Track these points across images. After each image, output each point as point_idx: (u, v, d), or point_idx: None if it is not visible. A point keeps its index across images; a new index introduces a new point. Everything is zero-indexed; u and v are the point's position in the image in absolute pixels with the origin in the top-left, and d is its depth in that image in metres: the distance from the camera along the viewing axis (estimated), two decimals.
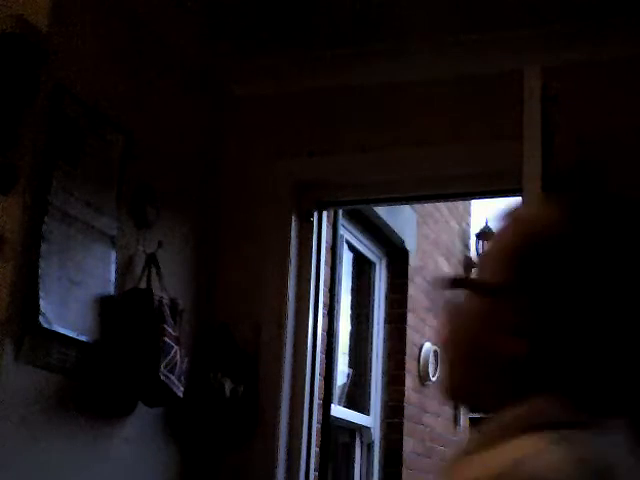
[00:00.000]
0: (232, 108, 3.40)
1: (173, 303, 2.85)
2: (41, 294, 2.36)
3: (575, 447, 0.85)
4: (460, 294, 1.03)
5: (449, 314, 1.04)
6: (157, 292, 2.78)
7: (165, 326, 2.71)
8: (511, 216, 1.05)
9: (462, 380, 1.01)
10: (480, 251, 10.65)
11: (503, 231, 1.03)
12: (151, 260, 2.86)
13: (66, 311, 2.47)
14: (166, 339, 2.70)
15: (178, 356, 2.73)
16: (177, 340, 2.75)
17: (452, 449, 6.32)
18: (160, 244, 2.90)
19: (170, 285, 2.92)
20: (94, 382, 2.60)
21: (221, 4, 3.04)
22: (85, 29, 2.65)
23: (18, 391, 2.34)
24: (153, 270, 2.85)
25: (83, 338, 2.53)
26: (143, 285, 2.80)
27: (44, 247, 2.39)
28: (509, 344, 0.93)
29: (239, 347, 3.15)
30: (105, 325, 2.62)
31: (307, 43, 3.25)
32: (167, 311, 2.77)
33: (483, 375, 0.98)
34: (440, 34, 3.11)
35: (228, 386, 3.01)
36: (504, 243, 1.00)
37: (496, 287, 0.96)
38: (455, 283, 1.06)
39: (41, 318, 2.36)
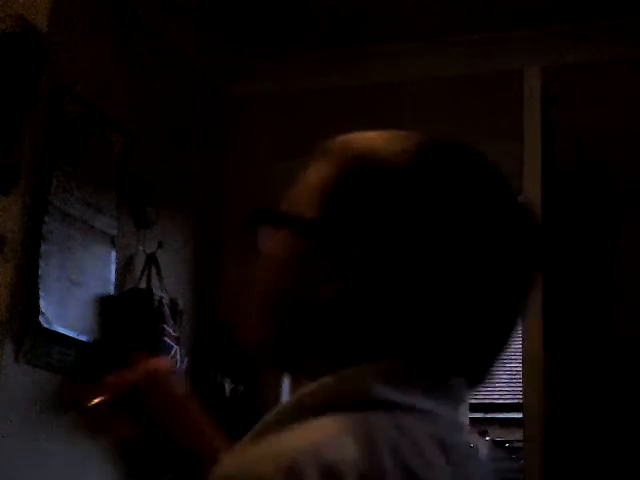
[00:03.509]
0: (232, 108, 3.40)
1: (173, 303, 2.85)
2: (41, 294, 2.36)
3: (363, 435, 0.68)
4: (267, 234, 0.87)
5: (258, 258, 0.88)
6: (157, 292, 2.78)
7: (165, 326, 2.71)
8: (339, 141, 0.88)
9: (272, 336, 0.85)
10: None
11: (327, 156, 0.85)
12: (151, 260, 2.85)
13: (66, 311, 2.47)
14: (166, 339, 2.70)
15: (178, 356, 2.73)
16: (177, 340, 2.75)
17: None
18: (160, 244, 2.90)
19: (170, 285, 2.91)
20: (94, 382, 2.59)
21: (221, 4, 3.04)
22: (85, 29, 2.65)
23: (18, 391, 2.34)
24: (153, 270, 2.85)
25: (83, 338, 2.53)
26: (143, 285, 2.79)
27: (44, 247, 2.39)
28: (323, 289, 0.77)
29: (239, 347, 3.15)
30: (105, 325, 2.62)
31: (307, 43, 3.25)
32: (167, 311, 2.77)
33: (294, 329, 0.81)
34: (440, 34, 3.11)
35: (228, 386, 3.01)
36: (325, 169, 0.82)
37: (310, 222, 0.80)
38: (262, 217, 0.87)
39: (41, 318, 2.36)
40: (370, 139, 0.88)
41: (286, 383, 3.17)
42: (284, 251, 0.82)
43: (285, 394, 3.15)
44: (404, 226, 0.76)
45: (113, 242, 2.69)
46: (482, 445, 12.41)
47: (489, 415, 12.65)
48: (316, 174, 0.83)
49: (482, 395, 12.80)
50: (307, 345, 0.80)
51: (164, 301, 2.78)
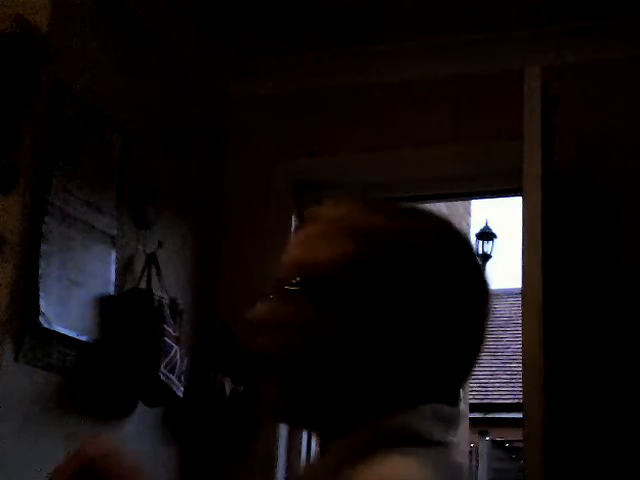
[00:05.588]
0: (232, 108, 3.40)
1: (173, 303, 2.85)
2: (41, 294, 2.36)
3: (440, 467, 0.87)
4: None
5: (278, 321, 1.01)
6: (157, 292, 2.79)
7: (165, 326, 2.71)
8: (328, 217, 1.04)
9: (308, 397, 0.95)
10: (482, 252, 10.67)
11: (325, 231, 1.00)
12: (151, 260, 2.86)
13: (66, 311, 2.47)
14: (166, 339, 2.70)
15: (178, 356, 2.73)
16: (177, 340, 2.75)
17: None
18: (160, 244, 2.90)
19: (170, 285, 2.92)
20: (94, 382, 2.60)
21: (221, 4, 3.04)
22: (85, 29, 2.65)
23: (18, 391, 2.34)
24: (153, 270, 2.85)
25: (83, 338, 2.53)
26: (143, 285, 2.80)
27: (44, 247, 2.39)
28: (356, 353, 0.91)
29: (239, 347, 3.15)
30: (105, 325, 2.62)
31: (307, 43, 3.25)
32: (167, 311, 2.77)
33: (334, 389, 0.93)
34: (440, 34, 3.12)
35: (228, 386, 3.01)
36: (339, 248, 0.95)
37: (344, 293, 0.93)
38: (303, 285, 0.96)
39: (41, 318, 2.36)
40: (360, 220, 1.01)
41: None
42: (318, 317, 0.96)
43: None
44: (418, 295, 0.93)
45: (113, 242, 2.69)
46: (482, 445, 12.40)
47: (489, 415, 12.64)
48: (331, 249, 0.96)
49: (482, 395, 12.80)
50: (345, 402, 0.94)
51: (164, 301, 2.78)
